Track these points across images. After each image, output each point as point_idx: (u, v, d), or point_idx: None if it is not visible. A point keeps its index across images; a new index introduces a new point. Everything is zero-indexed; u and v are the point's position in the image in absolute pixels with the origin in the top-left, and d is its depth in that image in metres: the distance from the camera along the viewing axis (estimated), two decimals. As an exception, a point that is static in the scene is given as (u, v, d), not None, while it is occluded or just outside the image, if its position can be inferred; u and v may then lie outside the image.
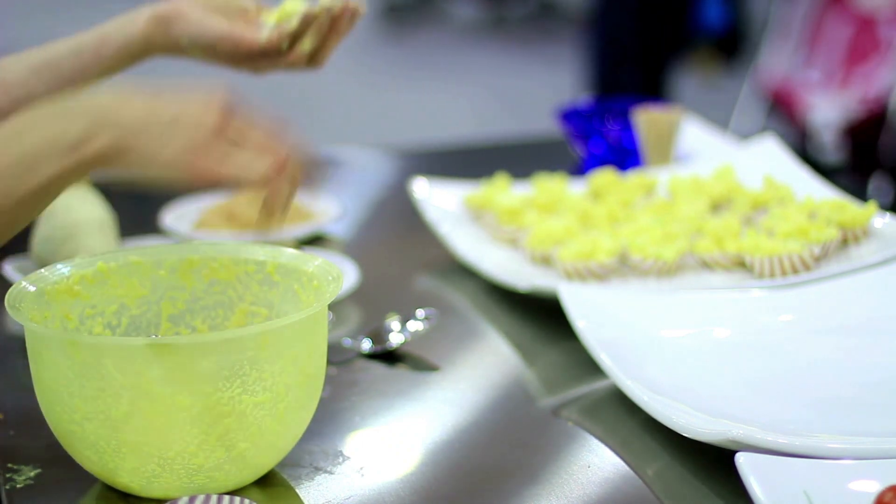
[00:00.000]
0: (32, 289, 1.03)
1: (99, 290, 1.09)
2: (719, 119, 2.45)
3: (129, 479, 0.98)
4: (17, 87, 1.21)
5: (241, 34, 1.23)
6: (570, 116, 1.93)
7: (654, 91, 3.82)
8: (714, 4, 5.06)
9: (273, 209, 0.99)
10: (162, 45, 1.25)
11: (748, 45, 5.13)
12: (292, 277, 1.09)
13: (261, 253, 1.11)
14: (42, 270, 1.05)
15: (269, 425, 0.98)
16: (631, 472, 1.06)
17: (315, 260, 1.08)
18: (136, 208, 1.76)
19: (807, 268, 1.35)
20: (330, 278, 1.04)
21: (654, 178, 1.64)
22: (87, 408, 0.95)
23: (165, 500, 0.98)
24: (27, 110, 0.95)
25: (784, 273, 1.35)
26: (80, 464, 1.00)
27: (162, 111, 0.93)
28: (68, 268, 1.07)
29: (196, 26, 1.23)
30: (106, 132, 0.93)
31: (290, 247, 1.14)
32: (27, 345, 1.00)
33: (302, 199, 1.69)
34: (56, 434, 1.01)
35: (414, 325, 1.28)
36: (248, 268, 1.11)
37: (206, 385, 0.95)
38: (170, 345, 0.94)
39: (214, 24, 1.23)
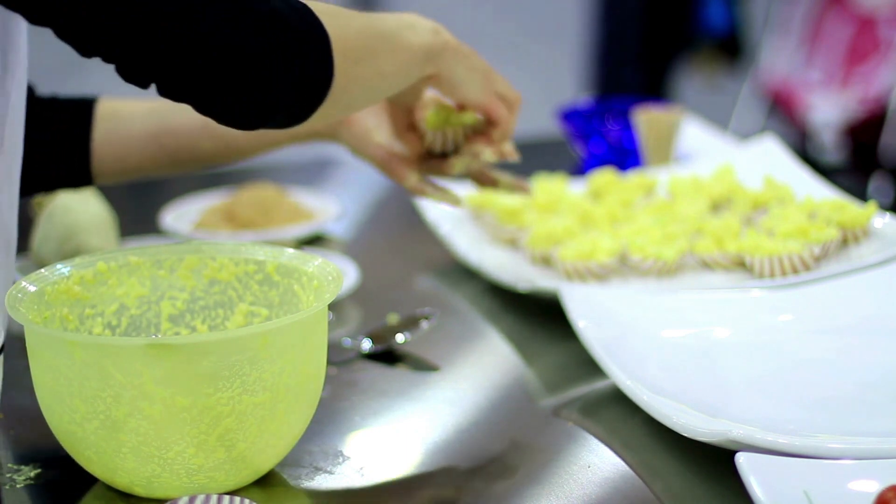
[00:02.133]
0: (32, 289, 1.03)
1: (99, 290, 1.09)
2: (719, 119, 2.45)
3: (129, 479, 0.98)
4: (185, 136, 1.32)
5: (391, 169, 1.34)
6: (570, 116, 1.93)
7: (656, 91, 3.82)
8: (716, 5, 5.06)
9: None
10: (328, 138, 1.39)
11: (750, 46, 5.13)
12: (292, 277, 1.09)
13: (261, 253, 1.11)
14: (42, 270, 1.05)
15: (269, 425, 0.98)
16: (631, 472, 1.06)
17: (315, 260, 1.08)
18: (136, 208, 1.76)
19: (807, 268, 1.35)
20: (330, 278, 1.04)
21: (654, 178, 1.64)
22: (87, 408, 0.95)
23: (165, 500, 0.98)
24: None
25: (784, 273, 1.35)
26: (80, 464, 1.00)
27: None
28: (68, 268, 1.07)
29: (356, 143, 1.35)
30: (447, 34, 1.18)
31: (290, 247, 1.14)
32: (27, 345, 1.00)
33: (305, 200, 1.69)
34: (56, 434, 1.00)
35: (414, 325, 1.28)
36: (248, 268, 1.11)
37: (205, 385, 0.95)
38: (170, 345, 0.94)
39: (371, 150, 1.34)
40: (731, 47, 5.27)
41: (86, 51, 0.95)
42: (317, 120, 1.07)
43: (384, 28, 1.12)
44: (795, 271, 1.35)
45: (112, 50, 0.95)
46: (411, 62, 1.14)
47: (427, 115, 1.29)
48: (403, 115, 1.31)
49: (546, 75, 5.42)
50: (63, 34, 0.94)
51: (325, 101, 1.05)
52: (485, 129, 1.28)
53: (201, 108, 1.00)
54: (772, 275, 1.35)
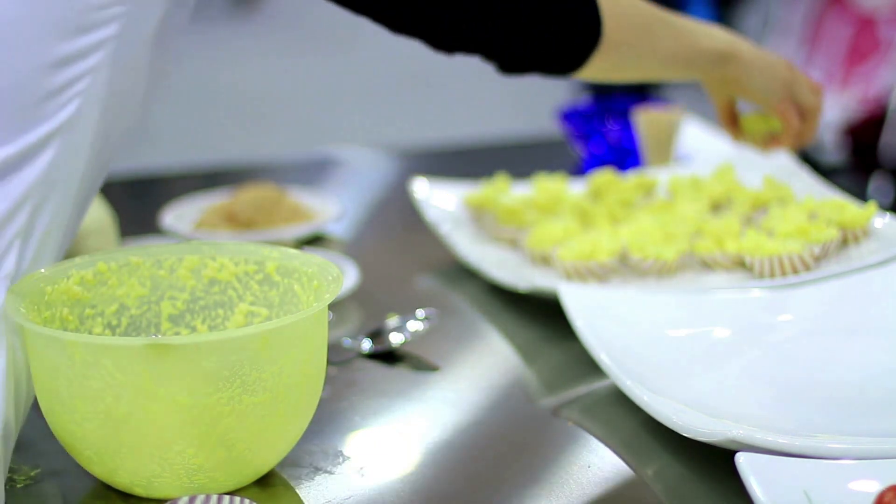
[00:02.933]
0: (33, 289, 1.03)
1: (99, 290, 1.09)
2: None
3: (129, 478, 0.98)
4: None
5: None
6: (570, 116, 1.93)
7: (650, 91, 3.81)
8: (699, 9, 5.04)
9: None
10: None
11: None
12: (292, 277, 1.09)
13: (261, 253, 1.11)
14: (42, 270, 1.05)
15: (269, 425, 0.98)
16: (631, 472, 1.06)
17: (315, 260, 1.08)
18: (136, 208, 1.76)
19: (807, 268, 1.35)
20: (330, 278, 1.04)
21: (654, 178, 1.64)
22: (87, 408, 0.95)
23: (165, 500, 0.98)
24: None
25: (784, 273, 1.35)
26: (80, 464, 1.01)
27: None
28: (69, 268, 1.07)
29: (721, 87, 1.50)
30: (742, 47, 1.40)
31: (290, 247, 1.14)
32: (27, 345, 1.00)
33: (306, 200, 1.69)
34: (56, 434, 1.01)
35: (414, 325, 1.28)
36: (248, 268, 1.11)
37: (206, 385, 0.95)
38: (170, 345, 0.94)
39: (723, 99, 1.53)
40: None
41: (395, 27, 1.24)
42: (593, 73, 1.31)
43: (675, 21, 1.35)
44: (795, 271, 1.35)
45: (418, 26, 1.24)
46: (694, 57, 1.37)
47: (743, 118, 1.51)
48: (727, 106, 1.51)
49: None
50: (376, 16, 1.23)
51: (594, 56, 1.29)
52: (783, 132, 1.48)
53: (490, 56, 1.28)
54: (772, 275, 1.35)
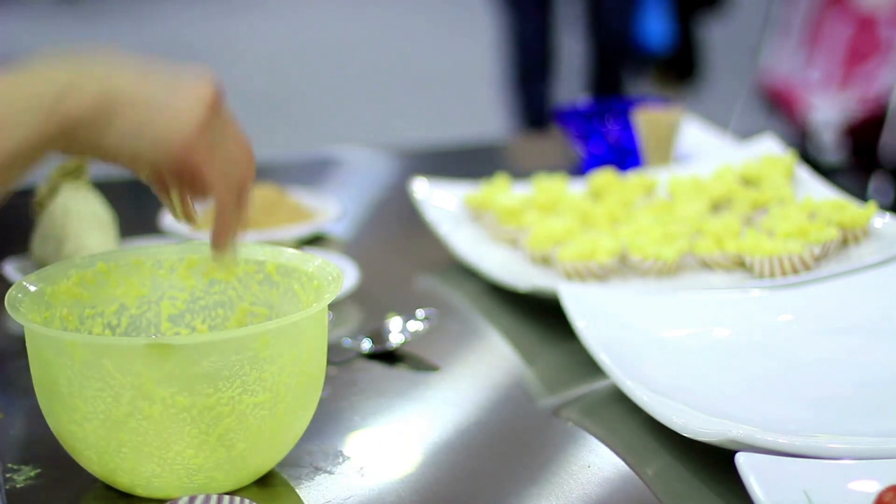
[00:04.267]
0: (32, 289, 1.03)
1: (99, 290, 1.09)
2: (719, 119, 2.45)
3: (128, 478, 0.98)
4: None
5: None
6: (570, 116, 1.93)
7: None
8: (655, 23, 5.04)
9: (227, 232, 0.89)
10: None
11: (704, 66, 5.15)
12: (292, 277, 1.09)
13: (261, 253, 1.11)
14: (42, 270, 1.05)
15: (269, 425, 0.98)
16: (631, 472, 1.06)
17: (315, 260, 1.08)
18: (136, 208, 1.76)
19: (807, 268, 1.35)
20: (330, 278, 1.04)
21: (654, 178, 1.64)
22: (87, 408, 0.95)
23: (165, 500, 0.98)
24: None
25: (784, 273, 1.35)
26: (80, 464, 1.00)
27: (155, 80, 0.82)
28: (68, 268, 1.07)
29: None
30: (91, 87, 0.80)
31: (290, 247, 1.13)
32: (27, 345, 1.00)
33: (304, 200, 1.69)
34: (56, 434, 1.00)
35: (414, 325, 1.28)
36: (248, 268, 1.11)
37: (205, 385, 0.95)
38: (170, 345, 0.94)
39: None
40: (680, 67, 5.24)
41: None
42: None
43: None
44: (795, 271, 1.35)
45: None
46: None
47: None
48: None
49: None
50: None
51: None
52: None
53: None
54: (772, 275, 1.35)
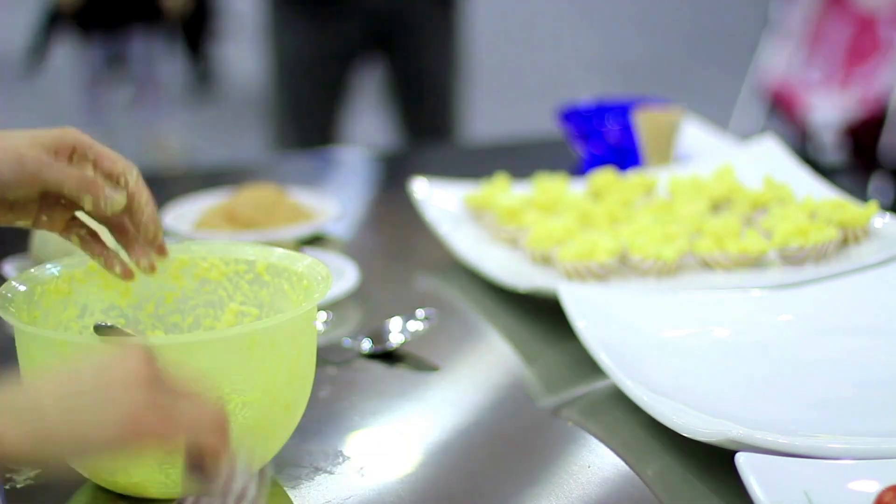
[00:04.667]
0: (23, 288, 1.03)
1: (89, 290, 1.08)
2: (719, 119, 2.45)
3: (118, 478, 0.98)
4: None
5: None
6: (570, 116, 1.93)
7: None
8: None
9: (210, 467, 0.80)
10: None
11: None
12: (282, 277, 1.09)
13: (251, 253, 1.10)
14: (32, 270, 1.05)
15: (259, 425, 0.98)
16: (631, 472, 1.06)
17: (304, 259, 1.08)
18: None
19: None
20: (319, 278, 1.04)
21: (654, 178, 1.64)
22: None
23: (160, 500, 0.98)
24: None
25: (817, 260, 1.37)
26: (70, 464, 1.00)
27: (81, 380, 0.76)
28: (59, 267, 1.07)
29: None
30: (19, 425, 0.73)
31: (290, 247, 1.13)
32: (17, 345, 1.00)
33: (306, 201, 1.69)
34: (49, 434, 1.00)
35: (414, 325, 1.28)
36: (239, 267, 1.11)
37: (195, 385, 0.94)
38: (159, 345, 0.94)
39: None
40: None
41: None
42: None
43: None
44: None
45: None
46: None
47: None
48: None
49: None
50: None
51: None
52: None
53: None
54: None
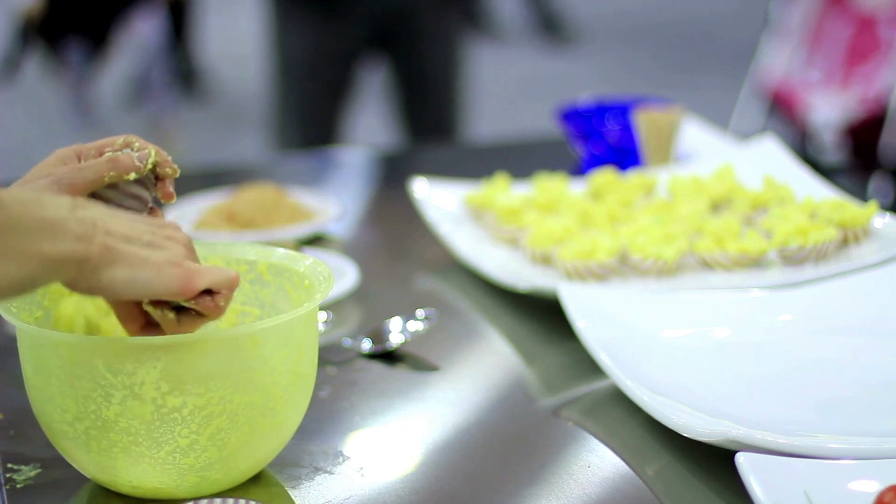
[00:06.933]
0: None
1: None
2: (719, 119, 2.45)
3: (120, 478, 0.98)
4: None
5: None
6: (570, 116, 1.93)
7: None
8: None
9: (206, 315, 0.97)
10: None
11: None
12: (283, 277, 1.09)
13: (252, 253, 1.11)
14: None
15: (261, 425, 0.98)
16: (631, 472, 1.06)
17: (306, 259, 1.08)
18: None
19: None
20: (321, 278, 1.04)
21: (654, 178, 1.64)
22: (78, 408, 0.95)
23: (159, 500, 0.98)
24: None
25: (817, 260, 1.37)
26: (72, 463, 1.00)
27: (141, 228, 0.92)
28: None
29: None
30: (99, 235, 0.88)
31: (290, 247, 1.13)
32: (18, 345, 1.00)
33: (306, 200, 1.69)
34: (47, 434, 1.00)
35: (414, 325, 1.28)
36: (240, 267, 1.11)
37: (196, 385, 0.95)
38: (161, 345, 0.94)
39: None
40: None
41: None
42: None
43: None
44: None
45: None
46: (38, 274, 0.86)
47: None
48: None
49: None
50: None
51: None
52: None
53: None
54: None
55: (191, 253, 0.95)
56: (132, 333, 0.99)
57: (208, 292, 0.94)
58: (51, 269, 0.86)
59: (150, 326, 0.99)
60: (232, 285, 0.95)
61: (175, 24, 5.20)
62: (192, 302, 0.93)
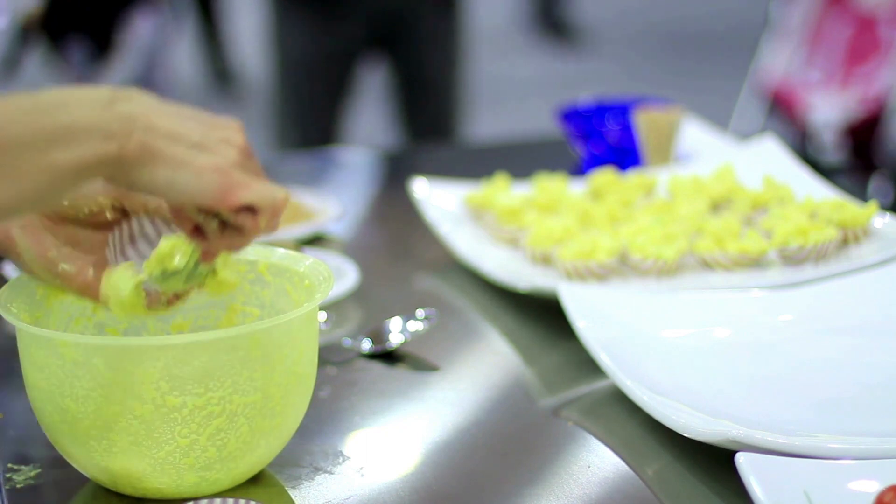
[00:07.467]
0: (25, 288, 1.03)
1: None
2: (719, 119, 2.45)
3: (119, 478, 0.98)
4: None
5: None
6: (570, 116, 1.93)
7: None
8: None
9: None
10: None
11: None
12: (284, 277, 1.09)
13: (252, 252, 1.10)
14: None
15: (261, 425, 0.98)
16: (631, 472, 1.06)
17: (306, 259, 1.08)
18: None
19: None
20: (321, 278, 1.04)
21: (654, 178, 1.64)
22: (78, 407, 0.95)
23: (158, 500, 0.98)
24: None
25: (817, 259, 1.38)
26: (72, 463, 1.00)
27: (191, 126, 0.87)
28: None
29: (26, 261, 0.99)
30: (138, 133, 0.84)
31: (290, 247, 1.13)
32: (18, 345, 1.00)
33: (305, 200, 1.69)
34: (47, 434, 1.00)
35: (414, 325, 1.28)
36: (240, 267, 1.10)
37: (196, 385, 0.95)
38: (161, 345, 0.94)
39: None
40: None
41: None
42: None
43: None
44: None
45: None
46: (54, 187, 0.83)
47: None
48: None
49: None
50: None
51: None
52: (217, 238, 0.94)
53: None
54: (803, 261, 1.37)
55: (246, 160, 0.88)
56: (185, 233, 0.94)
57: (251, 210, 0.88)
58: (71, 178, 0.82)
59: (198, 232, 0.93)
60: (277, 207, 0.89)
61: (207, 24, 5.20)
62: (232, 216, 0.88)
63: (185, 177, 0.85)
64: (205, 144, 0.87)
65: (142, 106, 0.85)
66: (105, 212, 1.00)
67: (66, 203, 0.97)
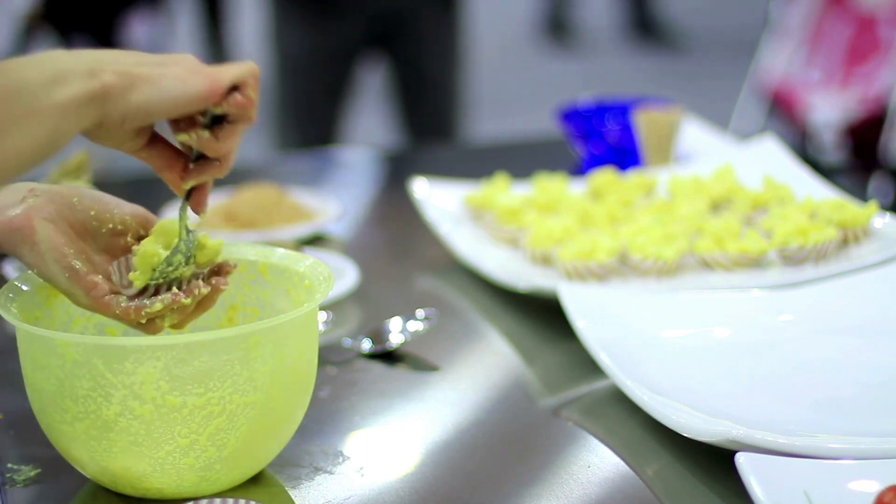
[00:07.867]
0: (25, 288, 1.03)
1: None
2: (719, 119, 2.45)
3: (119, 478, 0.98)
4: None
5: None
6: (570, 116, 1.93)
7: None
8: None
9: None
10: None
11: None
12: (283, 277, 1.09)
13: (252, 253, 1.10)
14: (34, 271, 1.05)
15: (261, 425, 0.98)
16: (631, 472, 1.06)
17: (306, 259, 1.08)
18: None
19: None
20: (321, 278, 1.04)
21: (654, 178, 1.64)
22: (78, 408, 0.95)
23: (158, 500, 0.98)
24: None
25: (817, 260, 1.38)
26: (72, 464, 1.00)
27: (146, 54, 0.94)
28: None
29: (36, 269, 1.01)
30: (108, 67, 0.89)
31: (290, 247, 1.13)
32: (18, 345, 1.00)
33: (304, 199, 1.69)
34: (47, 434, 1.00)
35: (414, 325, 1.28)
36: (240, 267, 1.10)
37: (196, 385, 0.95)
38: (161, 345, 0.94)
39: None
40: None
41: None
42: None
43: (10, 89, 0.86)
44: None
45: None
46: (61, 126, 0.87)
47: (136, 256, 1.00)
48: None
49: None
50: None
51: None
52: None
53: None
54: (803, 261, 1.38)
55: (200, 65, 0.94)
56: (175, 183, 0.98)
57: (235, 89, 0.93)
58: (73, 117, 0.87)
59: (189, 169, 0.97)
60: (255, 73, 0.95)
61: (212, 27, 5.20)
62: (224, 103, 0.93)
63: (170, 85, 0.91)
64: (165, 61, 0.93)
65: (101, 52, 0.91)
66: (128, 234, 1.02)
67: (92, 213, 1.01)
